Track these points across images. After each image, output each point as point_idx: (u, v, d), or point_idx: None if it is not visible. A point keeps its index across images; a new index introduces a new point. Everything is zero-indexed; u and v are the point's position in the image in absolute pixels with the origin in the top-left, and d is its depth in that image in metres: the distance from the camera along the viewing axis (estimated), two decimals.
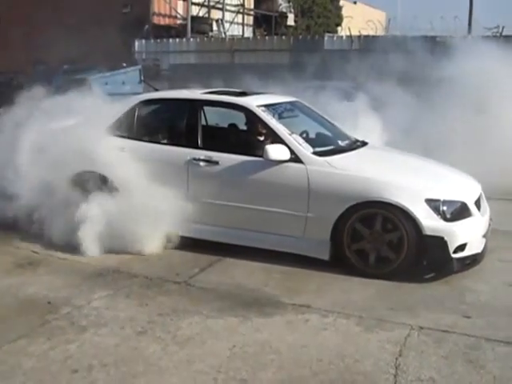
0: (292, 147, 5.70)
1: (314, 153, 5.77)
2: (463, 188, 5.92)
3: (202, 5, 24.30)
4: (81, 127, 7.08)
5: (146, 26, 21.85)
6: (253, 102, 6.17)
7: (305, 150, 5.73)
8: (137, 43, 18.46)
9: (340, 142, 6.38)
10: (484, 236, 5.77)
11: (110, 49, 15.86)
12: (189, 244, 6.03)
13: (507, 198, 8.10)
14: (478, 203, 5.80)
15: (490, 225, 5.93)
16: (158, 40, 19.20)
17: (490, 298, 5.15)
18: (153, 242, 5.93)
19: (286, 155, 5.64)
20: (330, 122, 6.81)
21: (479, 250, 5.69)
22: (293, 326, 4.54)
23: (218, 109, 6.67)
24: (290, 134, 5.83)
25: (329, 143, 6.27)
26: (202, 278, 5.44)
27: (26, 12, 20.43)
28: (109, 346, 4.27)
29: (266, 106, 6.15)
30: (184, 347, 4.24)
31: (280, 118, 6.17)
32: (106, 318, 4.73)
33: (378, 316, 4.68)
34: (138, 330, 4.52)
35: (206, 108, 6.44)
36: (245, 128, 6.55)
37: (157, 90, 7.20)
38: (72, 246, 5.98)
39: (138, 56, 18.05)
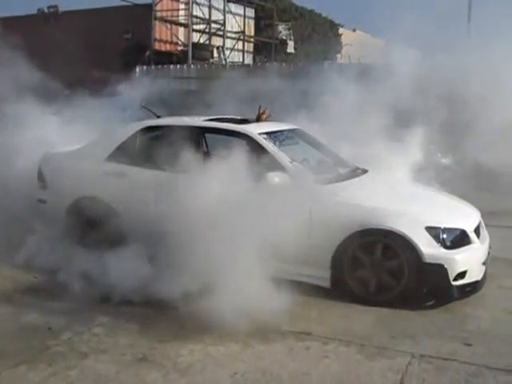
0: (292, 175, 5.73)
1: (315, 180, 5.80)
2: (463, 215, 5.96)
3: (202, 32, 24.52)
4: (82, 153, 7.16)
5: (148, 52, 22.05)
6: (254, 130, 6.22)
7: (305, 177, 5.76)
8: (138, 69, 18.59)
9: (340, 170, 6.42)
10: (484, 263, 5.79)
11: (111, 74, 15.97)
12: None
13: (507, 225, 8.13)
14: (477, 230, 5.84)
15: (489, 252, 5.96)
16: (159, 66, 19.35)
17: (490, 326, 5.16)
18: None
19: (287, 183, 5.66)
20: (330, 150, 6.86)
21: (479, 278, 5.70)
22: (294, 353, 4.55)
23: (219, 136, 6.71)
24: (290, 162, 5.87)
25: (329, 171, 6.31)
26: (202, 305, 5.42)
27: (25, 38, 20.63)
28: (109, 373, 4.27)
29: (267, 133, 6.20)
30: (185, 374, 4.24)
31: (281, 145, 6.21)
32: (107, 344, 4.73)
33: (378, 344, 4.69)
34: (139, 356, 4.52)
35: (207, 135, 6.50)
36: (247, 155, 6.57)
37: (158, 116, 7.23)
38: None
39: (139, 82, 18.18)
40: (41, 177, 7.23)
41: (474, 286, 5.67)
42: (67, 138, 7.61)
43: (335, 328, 4.97)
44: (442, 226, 5.49)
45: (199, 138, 6.52)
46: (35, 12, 24.95)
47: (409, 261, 5.37)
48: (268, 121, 6.92)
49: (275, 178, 5.65)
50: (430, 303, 5.46)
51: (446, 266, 5.36)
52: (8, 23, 23.25)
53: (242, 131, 6.25)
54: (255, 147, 6.13)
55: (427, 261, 5.34)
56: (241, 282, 5.03)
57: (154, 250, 5.63)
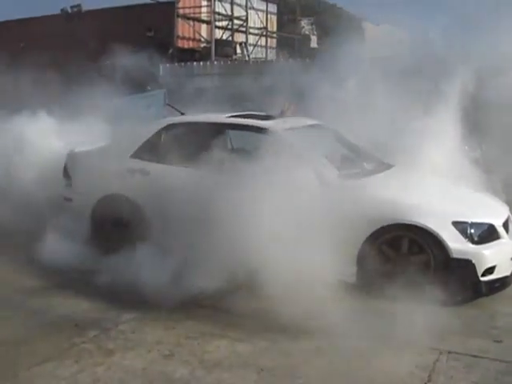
0: (318, 171, 5.70)
1: (340, 176, 5.76)
2: (491, 210, 5.88)
3: (225, 28, 24.54)
4: (107, 150, 7.21)
5: (171, 50, 22.09)
6: (279, 126, 6.19)
7: (331, 173, 5.73)
8: (161, 67, 18.63)
9: (366, 165, 6.37)
10: None
11: (134, 72, 16.05)
12: None
13: None
14: (506, 225, 5.75)
15: None
16: (183, 63, 19.38)
17: None
18: None
19: (312, 178, 5.63)
20: (356, 145, 6.81)
21: (508, 273, 5.62)
22: (321, 351, 4.52)
23: (243, 132, 6.70)
24: (316, 158, 5.84)
25: (355, 166, 6.26)
26: (228, 302, 5.43)
27: (49, 38, 20.83)
28: (136, 370, 4.29)
29: (291, 129, 6.17)
30: (212, 371, 4.24)
31: (305, 141, 6.17)
32: (133, 341, 4.75)
33: (405, 340, 4.62)
34: (165, 353, 4.54)
35: (231, 132, 6.49)
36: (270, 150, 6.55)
37: (182, 113, 7.24)
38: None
39: (163, 80, 18.23)
40: (66, 175, 7.30)
41: (503, 282, 5.58)
42: (93, 137, 7.67)
43: (362, 324, 4.92)
44: (470, 221, 5.42)
45: (223, 134, 6.51)
46: (58, 12, 25.10)
47: (436, 256, 5.31)
48: (293, 116, 6.89)
49: (301, 173, 5.61)
50: (457, 299, 5.39)
51: (473, 262, 5.29)
52: (32, 24, 23.63)
53: (267, 127, 6.23)
54: (280, 143, 6.11)
55: (454, 256, 5.28)
56: (271, 279, 5.02)
57: (182, 248, 5.63)
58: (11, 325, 5.06)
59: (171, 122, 6.95)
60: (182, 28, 23.36)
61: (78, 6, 24.89)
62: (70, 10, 25.02)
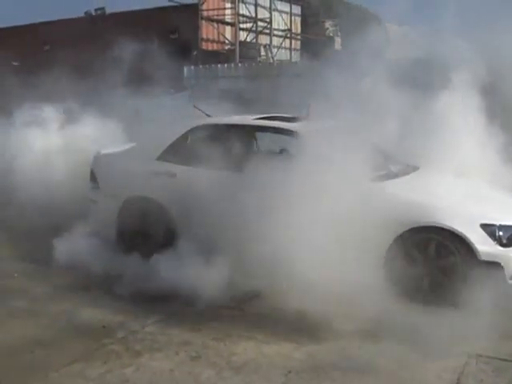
0: (346, 173, 5.66)
1: (368, 178, 5.74)
2: None
3: (249, 30, 24.57)
4: (132, 152, 7.26)
5: (195, 52, 22.17)
6: (306, 128, 6.19)
7: (359, 175, 5.70)
8: (186, 69, 18.70)
9: (392, 167, 6.33)
10: None
11: (159, 75, 16.13)
12: None
13: None
14: None
15: None
16: (207, 66, 19.44)
17: None
18: None
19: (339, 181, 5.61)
20: (381, 147, 6.77)
21: None
22: (347, 352, 4.53)
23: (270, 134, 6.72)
24: (344, 160, 5.81)
25: (381, 168, 6.23)
26: (255, 304, 5.44)
27: (75, 46, 21.03)
28: (164, 371, 4.33)
29: (318, 131, 6.16)
30: (239, 372, 4.26)
31: (332, 142, 6.15)
32: (161, 342, 4.79)
33: (434, 344, 4.61)
34: (193, 354, 4.57)
35: (258, 133, 6.50)
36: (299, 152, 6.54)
37: (208, 115, 7.26)
38: None
39: (187, 82, 18.30)
40: (93, 177, 7.37)
41: None
42: (119, 139, 7.76)
43: (389, 327, 4.89)
44: (498, 223, 5.37)
45: (250, 136, 6.52)
46: (83, 15, 25.30)
47: (463, 259, 5.27)
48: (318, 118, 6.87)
49: (330, 175, 5.59)
50: (485, 302, 5.33)
51: (502, 265, 5.24)
52: (56, 26, 23.84)
53: (294, 129, 6.23)
54: (307, 145, 6.09)
55: (483, 259, 5.24)
56: (299, 281, 5.03)
57: (208, 250, 5.65)
58: (40, 326, 5.13)
59: (197, 124, 6.98)
60: (206, 30, 23.43)
61: (102, 8, 25.07)
62: (93, 13, 25.21)
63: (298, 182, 5.42)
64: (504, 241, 5.34)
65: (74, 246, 6.61)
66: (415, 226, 5.42)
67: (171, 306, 5.39)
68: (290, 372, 4.24)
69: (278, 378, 4.17)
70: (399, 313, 5.18)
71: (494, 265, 5.25)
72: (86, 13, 25.24)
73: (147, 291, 5.53)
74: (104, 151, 7.66)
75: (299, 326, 4.90)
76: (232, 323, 5.06)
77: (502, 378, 4.13)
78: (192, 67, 19.14)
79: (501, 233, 5.35)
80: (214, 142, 6.46)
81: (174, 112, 10.12)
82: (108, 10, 24.97)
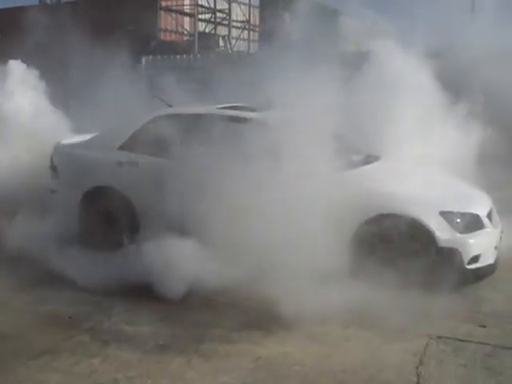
0: (308, 162, 5.73)
1: (330, 167, 5.82)
2: (475, 200, 6.00)
3: (208, 21, 24.47)
4: (94, 142, 7.22)
5: (153, 42, 21.98)
6: (268, 117, 6.24)
7: (321, 164, 5.78)
8: (144, 59, 18.58)
9: (354, 157, 6.44)
10: (496, 248, 5.84)
11: (116, 65, 15.96)
12: None
13: None
14: (489, 215, 5.88)
15: (501, 236, 6.00)
16: (165, 56, 19.33)
17: (504, 308, 5.26)
18: None
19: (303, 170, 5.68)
20: (343, 136, 6.86)
21: (492, 261, 5.75)
22: (314, 338, 4.62)
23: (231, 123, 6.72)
24: (306, 149, 5.88)
25: (343, 157, 6.32)
26: (221, 293, 5.46)
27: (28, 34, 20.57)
28: (132, 360, 4.34)
29: (279, 120, 6.21)
30: (209, 360, 4.31)
31: (294, 131, 6.21)
32: (128, 332, 4.80)
33: (396, 326, 4.75)
34: (160, 343, 4.58)
35: (221, 123, 6.49)
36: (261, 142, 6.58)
37: (170, 105, 7.26)
38: None
39: (145, 72, 18.15)
40: (53, 167, 7.31)
41: (488, 270, 5.72)
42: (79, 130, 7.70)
43: (354, 312, 5.02)
44: (456, 211, 5.54)
45: (211, 126, 6.52)
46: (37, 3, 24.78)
47: (424, 245, 5.42)
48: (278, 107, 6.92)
49: (291, 164, 5.66)
50: (444, 287, 5.50)
51: (460, 250, 5.42)
52: (9, 14, 23.26)
53: (256, 118, 6.27)
54: (269, 134, 6.14)
55: (442, 245, 5.40)
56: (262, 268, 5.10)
57: (172, 239, 5.66)
58: (5, 319, 5.09)
59: (159, 114, 6.97)
60: (165, 20, 23.25)
61: None
62: (48, 1, 24.73)
63: (260, 172, 5.47)
64: (461, 228, 5.52)
65: (34, 236, 6.52)
66: (376, 214, 5.54)
67: (137, 296, 5.37)
68: (259, 358, 4.31)
69: (248, 365, 4.23)
70: (364, 298, 5.30)
71: (453, 250, 5.41)
72: (40, 1, 24.73)
73: (112, 282, 5.50)
74: (64, 141, 7.60)
75: (267, 314, 4.95)
76: (200, 312, 5.10)
77: (461, 358, 4.29)
78: (150, 57, 19.01)
79: (458, 220, 5.52)
80: (175, 132, 6.48)
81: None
82: None
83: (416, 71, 7.00)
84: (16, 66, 9.72)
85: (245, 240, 5.14)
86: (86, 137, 7.47)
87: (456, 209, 5.57)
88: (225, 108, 6.80)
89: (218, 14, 24.58)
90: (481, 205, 5.94)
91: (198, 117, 6.69)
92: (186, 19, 24.16)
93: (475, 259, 5.55)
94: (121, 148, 6.83)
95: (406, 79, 6.92)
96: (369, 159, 6.47)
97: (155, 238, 5.67)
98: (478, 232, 5.63)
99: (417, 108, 6.75)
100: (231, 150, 5.77)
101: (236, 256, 5.14)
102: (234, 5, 25.17)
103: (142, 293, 5.33)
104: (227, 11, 24.65)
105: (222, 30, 24.90)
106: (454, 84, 7.52)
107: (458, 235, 5.48)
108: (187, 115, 6.81)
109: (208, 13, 24.46)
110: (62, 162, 7.32)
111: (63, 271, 5.81)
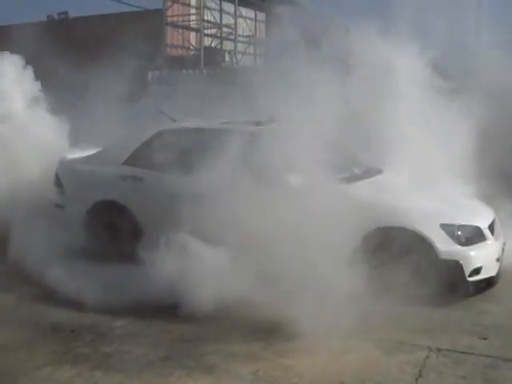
0: (311, 175, 5.77)
1: (332, 180, 5.86)
2: (477, 213, 6.03)
3: (214, 36, 24.63)
4: (99, 157, 7.28)
5: (160, 58, 22.13)
6: (271, 132, 6.28)
7: (323, 177, 5.81)
8: (150, 74, 18.76)
9: (356, 170, 6.47)
10: (498, 259, 5.85)
11: (123, 79, 16.09)
12: None
13: None
14: (491, 228, 5.89)
15: (503, 249, 6.01)
16: (172, 71, 19.49)
17: (505, 320, 5.26)
18: None
19: (305, 183, 5.72)
20: (345, 150, 6.90)
21: (493, 274, 5.77)
22: (314, 350, 4.62)
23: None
24: (308, 162, 5.92)
25: (345, 171, 6.36)
26: (223, 306, 5.46)
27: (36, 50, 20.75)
28: (134, 372, 4.36)
29: (283, 134, 6.25)
30: (209, 372, 4.33)
31: (297, 145, 6.25)
32: (130, 344, 4.82)
33: (396, 339, 4.78)
34: (162, 356, 4.61)
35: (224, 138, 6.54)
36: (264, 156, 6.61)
37: (174, 120, 7.33)
38: None
39: (151, 87, 18.30)
40: (58, 182, 7.36)
41: (489, 282, 5.75)
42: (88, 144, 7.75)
43: (354, 325, 5.01)
44: (457, 223, 5.57)
45: (216, 140, 6.58)
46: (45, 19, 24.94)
47: (425, 258, 5.44)
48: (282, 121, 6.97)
49: (294, 178, 5.70)
50: (445, 299, 5.52)
51: (461, 263, 5.44)
52: (16, 30, 23.44)
53: (259, 133, 6.31)
54: (272, 148, 6.16)
55: (443, 257, 5.42)
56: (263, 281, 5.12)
57: (176, 254, 5.67)
58: (8, 331, 5.13)
59: (163, 129, 7.03)
60: (171, 36, 23.42)
61: (65, 12, 24.83)
62: (56, 17, 24.93)
63: (263, 186, 5.50)
64: (462, 240, 5.55)
65: (39, 250, 6.56)
66: (379, 227, 5.57)
67: (139, 309, 5.38)
68: (258, 370, 4.33)
69: (248, 377, 4.25)
70: (364, 311, 5.32)
71: (454, 263, 5.43)
72: (48, 17, 24.93)
73: (114, 296, 5.50)
74: (69, 156, 7.67)
75: (267, 326, 4.97)
76: (200, 325, 5.09)
77: (460, 370, 4.29)
78: (157, 72, 19.18)
79: (459, 232, 5.55)
80: (179, 147, 6.53)
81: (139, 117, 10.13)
82: (71, 14, 24.75)
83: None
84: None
85: (248, 255, 5.16)
86: (91, 151, 7.54)
87: (457, 221, 5.59)
88: (227, 123, 6.85)
89: (224, 29, 24.74)
90: (482, 217, 5.96)
91: (201, 131, 6.75)
92: (192, 34, 24.33)
93: (476, 271, 5.56)
94: (125, 163, 6.89)
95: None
96: (370, 172, 6.50)
97: (156, 252, 5.68)
98: (480, 244, 5.66)
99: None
100: (234, 165, 5.82)
101: (239, 271, 5.17)
102: (239, 20, 25.33)
103: (145, 306, 5.35)
104: (233, 26, 24.80)
105: (228, 45, 25.05)
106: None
107: (459, 247, 5.51)
108: (191, 130, 6.87)
109: (214, 28, 24.63)
110: (66, 176, 7.38)
111: (67, 285, 5.82)
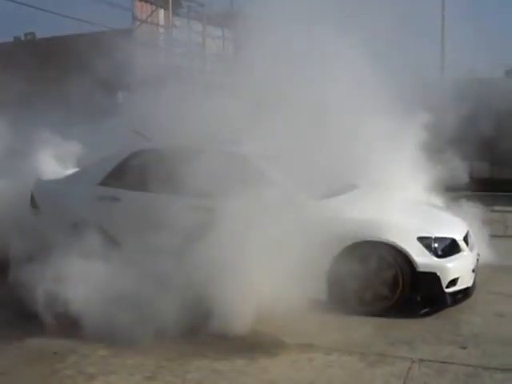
0: (284, 191, 5.85)
1: (307, 196, 5.94)
2: (452, 225, 6.18)
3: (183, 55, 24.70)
4: (75, 178, 7.26)
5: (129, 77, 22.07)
6: (247, 151, 6.34)
7: (298, 193, 5.89)
8: (120, 94, 18.69)
9: (331, 185, 6.56)
10: (473, 270, 5.99)
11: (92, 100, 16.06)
12: None
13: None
14: (466, 239, 6.04)
15: (477, 259, 6.17)
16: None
17: (483, 329, 5.39)
18: None
19: (280, 199, 5.78)
20: (320, 165, 6.98)
21: (470, 284, 5.91)
22: (298, 365, 4.68)
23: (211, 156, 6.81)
24: (284, 180, 6.01)
25: (322, 187, 6.44)
26: (204, 324, 5.47)
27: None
28: None
29: (259, 153, 6.33)
30: None
31: (273, 164, 6.33)
32: (114, 365, 4.81)
33: (379, 351, 4.86)
34: (147, 375, 4.61)
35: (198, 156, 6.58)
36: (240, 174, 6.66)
37: (148, 139, 7.32)
38: None
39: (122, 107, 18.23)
40: (34, 203, 7.31)
41: (466, 293, 5.88)
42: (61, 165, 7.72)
43: (335, 339, 5.12)
44: (433, 236, 5.69)
45: (191, 159, 6.63)
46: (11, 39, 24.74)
47: (403, 271, 5.55)
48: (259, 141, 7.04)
49: (268, 195, 5.76)
50: (424, 311, 5.63)
51: (438, 274, 5.56)
52: None
53: (236, 152, 6.37)
54: (247, 166, 6.24)
55: (420, 270, 5.53)
56: (242, 298, 5.16)
57: (153, 274, 5.67)
58: None
59: (139, 149, 7.04)
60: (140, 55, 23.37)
61: (32, 33, 24.64)
62: (23, 38, 24.74)
63: (241, 203, 5.55)
64: (439, 252, 5.67)
65: (15, 271, 6.48)
66: (356, 241, 5.66)
67: (120, 331, 5.34)
68: None
69: None
70: (343, 325, 5.41)
71: (431, 275, 5.54)
72: (14, 38, 24.74)
73: (95, 318, 5.44)
74: (45, 177, 7.63)
75: (250, 343, 5.04)
76: (183, 343, 5.10)
77: (443, 380, 4.39)
78: (126, 92, 19.10)
79: (436, 245, 5.67)
80: (155, 166, 6.55)
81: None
82: (38, 35, 24.58)
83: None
84: None
85: (227, 273, 5.21)
86: (66, 172, 7.52)
87: (433, 234, 5.71)
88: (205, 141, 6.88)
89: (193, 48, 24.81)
90: (457, 229, 6.11)
91: (175, 151, 6.77)
92: (162, 53, 24.34)
93: (453, 282, 5.69)
94: (102, 183, 6.88)
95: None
96: (347, 188, 6.60)
97: (134, 272, 5.66)
98: (456, 256, 5.79)
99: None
100: (210, 183, 5.86)
101: (218, 289, 5.20)
102: (208, 39, 25.43)
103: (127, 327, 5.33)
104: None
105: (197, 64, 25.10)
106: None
107: (436, 259, 5.62)
108: (165, 149, 6.88)
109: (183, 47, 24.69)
110: (43, 198, 7.33)
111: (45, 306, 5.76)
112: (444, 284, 5.60)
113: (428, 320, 5.53)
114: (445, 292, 5.62)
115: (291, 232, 5.60)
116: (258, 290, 5.26)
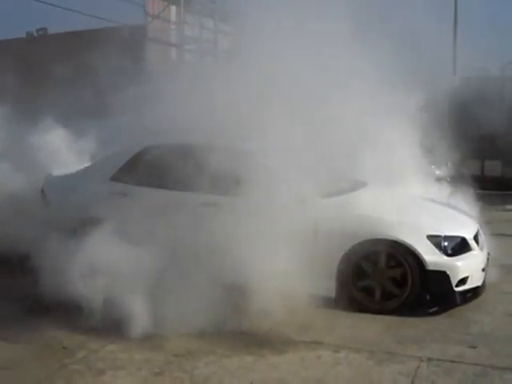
0: (295, 189, 5.85)
1: (318, 194, 5.93)
2: (462, 224, 6.15)
3: (194, 51, 24.71)
4: (86, 173, 7.27)
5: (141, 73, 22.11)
6: (259, 147, 6.33)
7: (309, 191, 5.89)
8: (132, 90, 18.75)
9: (341, 183, 6.55)
10: (483, 269, 5.96)
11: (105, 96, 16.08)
12: None
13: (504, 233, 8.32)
14: (476, 238, 6.01)
15: (488, 258, 6.14)
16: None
17: (492, 329, 5.38)
18: None
19: (291, 196, 5.79)
20: (330, 163, 6.96)
21: (479, 283, 5.89)
22: (306, 362, 4.68)
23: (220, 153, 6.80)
24: (294, 177, 5.99)
25: (331, 185, 6.42)
26: (213, 321, 5.43)
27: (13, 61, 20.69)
28: None
29: (269, 150, 6.31)
30: None
31: (283, 161, 6.31)
32: (123, 360, 4.82)
33: (387, 349, 4.85)
34: (156, 370, 4.63)
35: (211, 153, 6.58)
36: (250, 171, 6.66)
37: (160, 135, 7.30)
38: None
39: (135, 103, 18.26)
40: (44, 199, 7.33)
41: (475, 292, 5.86)
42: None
43: (344, 336, 5.11)
44: (443, 234, 5.67)
45: (202, 156, 6.62)
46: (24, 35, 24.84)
47: (412, 269, 5.54)
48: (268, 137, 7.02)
49: (278, 192, 5.76)
50: (433, 309, 5.61)
51: (448, 273, 5.54)
52: None
53: (247, 149, 6.36)
54: (257, 163, 6.22)
55: (430, 268, 5.51)
56: (251, 295, 5.17)
57: (163, 270, 5.68)
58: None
59: (150, 144, 7.04)
60: (152, 51, 23.41)
61: (44, 29, 24.74)
62: (35, 34, 24.84)
63: (251, 200, 5.55)
64: (449, 251, 5.65)
65: (28, 267, 6.51)
66: (365, 239, 5.65)
67: (129, 326, 5.36)
68: (251, 383, 4.36)
69: None
70: (352, 323, 5.41)
71: (441, 273, 5.52)
72: (27, 33, 24.85)
73: (106, 312, 5.50)
74: (55, 172, 7.65)
75: (258, 340, 5.04)
76: (192, 340, 5.11)
77: (452, 379, 4.38)
78: (138, 88, 19.15)
79: (446, 243, 5.65)
80: (166, 162, 6.54)
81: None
82: (50, 31, 24.66)
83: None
84: None
85: (236, 269, 5.21)
86: (77, 168, 7.53)
87: (443, 232, 5.69)
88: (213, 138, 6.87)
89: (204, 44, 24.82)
90: (467, 227, 6.07)
91: (187, 147, 6.76)
92: (173, 49, 24.36)
93: (463, 281, 5.67)
94: (113, 179, 6.88)
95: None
96: (356, 185, 6.58)
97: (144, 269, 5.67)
98: (466, 255, 5.76)
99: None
100: (221, 180, 5.87)
101: (226, 284, 5.21)
102: (220, 35, 25.42)
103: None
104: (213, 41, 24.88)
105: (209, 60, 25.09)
106: None
107: (446, 258, 5.60)
108: (177, 145, 6.88)
109: (194, 43, 24.70)
110: (53, 193, 7.35)
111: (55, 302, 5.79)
112: (454, 283, 5.58)
113: (437, 319, 5.51)
114: (454, 291, 5.60)
115: (301, 230, 5.61)
116: (268, 287, 5.26)
